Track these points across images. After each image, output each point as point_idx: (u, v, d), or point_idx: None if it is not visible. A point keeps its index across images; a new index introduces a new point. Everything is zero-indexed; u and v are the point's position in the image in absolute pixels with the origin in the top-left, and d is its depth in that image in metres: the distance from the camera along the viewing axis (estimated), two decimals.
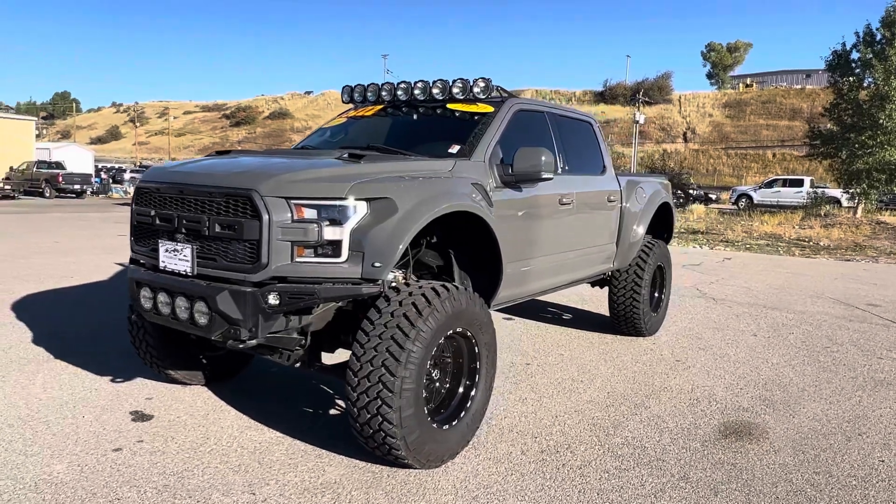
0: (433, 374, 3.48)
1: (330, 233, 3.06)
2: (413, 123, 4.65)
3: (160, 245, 3.39)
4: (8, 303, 6.83)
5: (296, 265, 3.07)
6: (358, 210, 3.11)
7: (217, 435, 3.73)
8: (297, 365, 3.53)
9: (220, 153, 4.10)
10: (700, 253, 14.68)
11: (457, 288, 3.40)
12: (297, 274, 3.07)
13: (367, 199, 3.12)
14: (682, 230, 21.13)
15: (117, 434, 3.69)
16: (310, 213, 3.08)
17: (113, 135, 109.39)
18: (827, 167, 27.69)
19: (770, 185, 35.75)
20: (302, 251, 3.08)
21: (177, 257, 3.33)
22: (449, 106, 4.47)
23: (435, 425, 3.33)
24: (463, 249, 3.93)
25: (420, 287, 3.31)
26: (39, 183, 30.32)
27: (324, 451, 3.56)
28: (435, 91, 4.49)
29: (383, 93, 4.69)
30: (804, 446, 3.87)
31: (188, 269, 3.27)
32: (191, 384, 4.44)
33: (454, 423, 3.48)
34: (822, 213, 22.87)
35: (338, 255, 3.08)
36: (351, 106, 5.12)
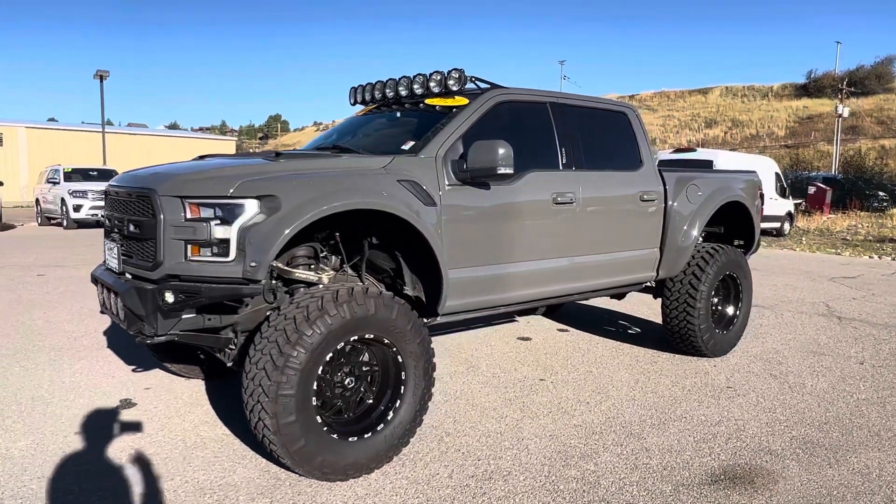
0: (345, 383, 3.29)
1: (219, 231, 3.03)
2: (393, 121, 4.47)
3: (104, 243, 3.62)
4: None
5: (189, 264, 3.08)
6: (247, 209, 3.04)
7: (172, 427, 3.87)
8: (230, 365, 3.55)
9: (200, 157, 4.28)
10: (868, 264, 12.47)
11: (365, 292, 3.18)
12: (188, 272, 3.08)
13: (256, 198, 3.05)
14: (869, 237, 18.18)
15: (93, 418, 3.98)
16: (203, 213, 3.07)
17: None
18: None
19: None
20: (197, 250, 3.08)
21: (111, 255, 3.52)
22: (428, 101, 4.24)
23: (335, 436, 3.14)
24: (412, 252, 3.69)
25: (322, 290, 3.16)
26: None
27: (251, 452, 3.53)
28: (415, 87, 4.29)
29: (376, 92, 4.59)
30: None
31: (116, 266, 3.45)
32: (189, 377, 4.67)
33: (367, 436, 3.26)
34: None
35: (226, 254, 3.04)
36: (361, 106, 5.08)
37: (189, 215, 3.07)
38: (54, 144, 34.09)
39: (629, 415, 4.18)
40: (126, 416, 4.03)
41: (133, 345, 5.48)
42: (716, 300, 5.61)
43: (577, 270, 4.48)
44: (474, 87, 4.24)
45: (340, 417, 3.32)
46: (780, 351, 5.82)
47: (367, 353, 3.40)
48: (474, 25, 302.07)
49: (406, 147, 3.84)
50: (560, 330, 6.48)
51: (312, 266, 3.71)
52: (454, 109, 4.05)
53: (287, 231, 2.98)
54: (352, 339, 3.15)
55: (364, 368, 3.40)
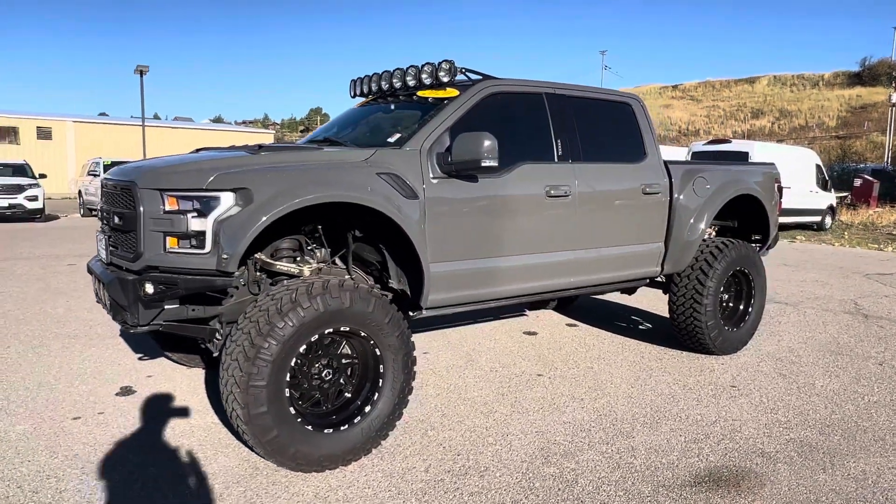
0: (322, 375, 3.31)
1: (196, 224, 3.07)
2: (386, 113, 4.46)
3: (97, 235, 3.71)
4: None
5: (167, 255, 3.13)
6: (223, 201, 3.07)
7: (165, 416, 3.95)
8: (216, 355, 3.60)
9: (196, 150, 4.34)
10: None
11: (340, 285, 3.18)
12: (167, 264, 3.13)
13: (232, 190, 3.07)
14: None
15: (92, 404, 4.11)
16: (181, 205, 3.12)
17: None
18: None
19: None
20: (176, 242, 3.12)
21: (101, 245, 3.61)
22: (420, 93, 4.21)
23: (310, 427, 3.16)
24: (396, 245, 3.67)
25: (299, 282, 3.18)
26: None
27: (235, 441, 3.57)
28: (408, 79, 4.26)
29: (373, 84, 4.58)
30: None
31: (104, 257, 3.53)
32: (190, 367, 4.77)
33: (344, 428, 3.27)
34: None
35: (202, 246, 3.07)
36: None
37: (167, 207, 3.12)
38: (101, 138, 35.20)
39: (622, 412, 4.10)
40: (123, 403, 4.14)
41: (142, 334, 5.62)
42: (726, 297, 5.44)
43: (573, 265, 4.40)
44: (464, 78, 4.18)
45: (318, 409, 3.34)
46: (796, 349, 5.62)
47: (346, 346, 3.41)
48: (514, 15, 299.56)
49: (392, 140, 3.82)
50: (569, 325, 6.39)
51: (298, 259, 3.73)
52: (445, 101, 4.01)
53: (258, 224, 3.00)
54: (327, 331, 3.16)
55: (343, 361, 3.41)
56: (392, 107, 4.45)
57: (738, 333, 5.41)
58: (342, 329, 3.22)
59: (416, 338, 5.72)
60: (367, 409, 3.35)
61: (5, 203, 16.89)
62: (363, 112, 4.69)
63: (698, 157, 16.08)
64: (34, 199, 17.37)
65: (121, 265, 3.35)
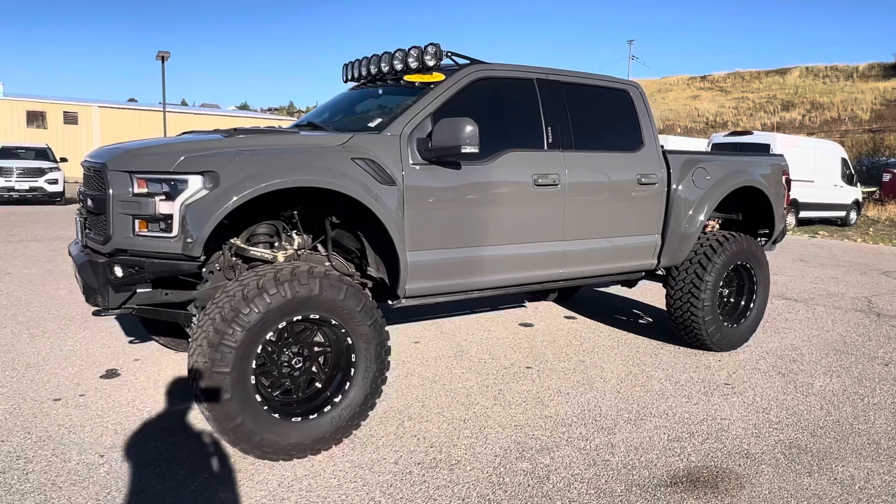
0: (293, 363, 3.26)
1: (164, 207, 3.02)
2: (374, 97, 4.37)
3: (75, 217, 3.70)
4: None
5: (136, 238, 3.09)
6: (191, 184, 3.02)
7: (144, 399, 3.95)
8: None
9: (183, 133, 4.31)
10: None
11: (309, 272, 3.12)
12: (135, 247, 3.09)
13: (200, 173, 3.02)
14: None
15: (75, 386, 4.12)
16: (150, 188, 3.07)
17: None
18: None
19: None
20: (144, 225, 3.09)
21: (77, 228, 3.60)
22: (407, 78, 4.12)
23: (277, 415, 3.12)
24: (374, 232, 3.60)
25: (268, 268, 3.13)
26: None
27: (209, 429, 3.56)
28: (395, 62, 4.17)
29: (363, 69, 4.50)
30: None
31: (80, 239, 3.52)
32: (178, 351, 4.76)
33: (313, 417, 3.22)
34: None
35: (170, 229, 3.03)
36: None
37: (136, 190, 3.08)
38: (126, 123, 35.64)
39: (607, 408, 3.99)
40: (105, 385, 4.14)
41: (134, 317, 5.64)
42: (726, 292, 5.29)
43: (562, 257, 4.29)
44: (453, 63, 4.08)
45: (289, 397, 3.30)
46: (799, 347, 5.45)
47: (319, 334, 3.36)
48: (538, 1, 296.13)
49: (372, 125, 3.74)
50: (567, 317, 6.28)
51: (276, 244, 3.69)
52: (431, 86, 3.91)
53: (222, 208, 2.95)
54: (295, 318, 3.11)
55: (316, 349, 3.36)
56: (380, 91, 4.36)
57: (738, 330, 5.25)
58: (312, 317, 3.16)
59: (409, 327, 5.68)
60: (338, 398, 3.30)
61: (26, 186, 17.19)
62: (351, 96, 4.62)
63: (718, 148, 15.73)
64: (55, 182, 17.65)
65: (93, 248, 3.33)
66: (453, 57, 4.06)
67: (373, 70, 4.37)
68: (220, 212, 2.95)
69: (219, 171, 3.00)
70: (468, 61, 4.08)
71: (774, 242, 5.88)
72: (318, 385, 3.32)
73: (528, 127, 4.15)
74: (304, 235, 3.80)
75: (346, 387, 3.32)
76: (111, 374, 4.37)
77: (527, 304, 6.75)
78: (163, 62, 23.99)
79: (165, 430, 3.52)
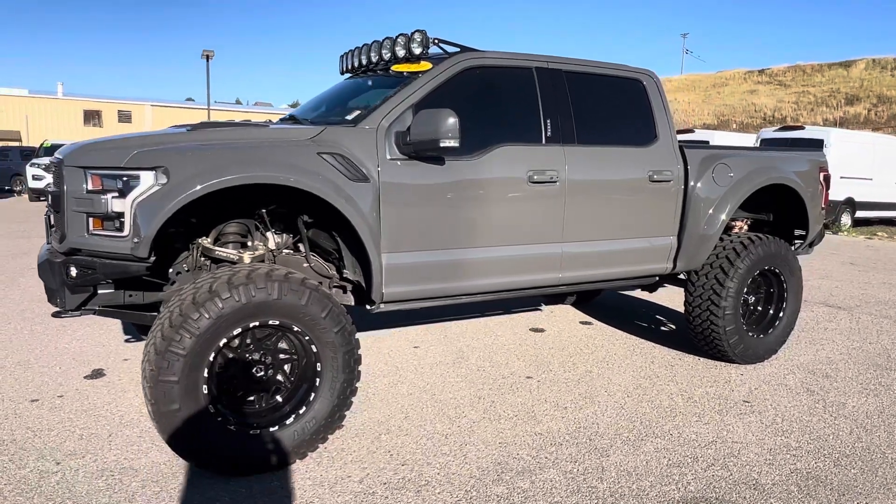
0: (254, 371, 3.05)
1: (116, 204, 2.86)
2: (363, 89, 4.13)
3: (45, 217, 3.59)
4: None
5: (91, 238, 2.94)
6: (143, 181, 2.85)
7: (120, 403, 3.82)
8: None
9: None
10: None
11: (267, 275, 2.91)
12: (88, 247, 2.94)
13: (151, 169, 2.84)
14: None
15: (57, 386, 4.04)
16: (104, 184, 2.92)
17: None
18: None
19: None
20: (99, 223, 2.93)
21: (46, 226, 3.48)
22: (395, 68, 3.87)
23: (233, 427, 2.92)
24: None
25: (225, 270, 2.93)
26: None
27: None
28: (384, 52, 3.93)
29: (354, 59, 4.27)
30: None
31: (48, 238, 3.41)
32: None
33: (273, 429, 3.01)
34: None
35: (123, 228, 2.87)
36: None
37: (90, 187, 2.92)
38: (177, 121, 36.59)
39: (605, 425, 3.66)
40: (87, 387, 4.04)
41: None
42: (752, 299, 4.85)
43: (561, 260, 3.97)
44: (442, 52, 3.81)
45: (251, 407, 3.10)
46: (835, 361, 4.96)
47: (284, 341, 3.15)
48: None
49: (350, 117, 3.51)
50: (583, 322, 5.93)
51: (249, 244, 3.50)
52: (417, 76, 3.66)
53: (169, 206, 2.76)
54: (252, 325, 2.91)
55: (282, 357, 3.15)
56: (370, 83, 4.13)
57: (765, 341, 4.81)
58: (271, 323, 2.95)
59: (411, 330, 5.44)
60: (302, 409, 3.08)
61: None
62: (341, 88, 4.40)
63: (768, 144, 14.93)
64: None
65: (54, 247, 3.21)
66: (441, 44, 3.78)
67: (363, 60, 4.14)
68: (167, 210, 2.76)
69: (170, 167, 2.81)
70: (458, 49, 3.80)
71: (811, 245, 5.39)
72: (279, 398, 3.11)
73: (524, 119, 3.84)
74: (285, 235, 3.61)
75: (311, 398, 3.10)
76: (96, 374, 4.28)
77: (543, 307, 6.42)
78: (207, 61, 24.45)
79: (131, 437, 3.38)
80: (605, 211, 4.10)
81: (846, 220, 14.93)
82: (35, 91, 36.18)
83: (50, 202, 3.31)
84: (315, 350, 3.07)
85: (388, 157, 3.34)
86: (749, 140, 16.74)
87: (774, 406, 4.03)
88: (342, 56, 4.50)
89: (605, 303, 6.65)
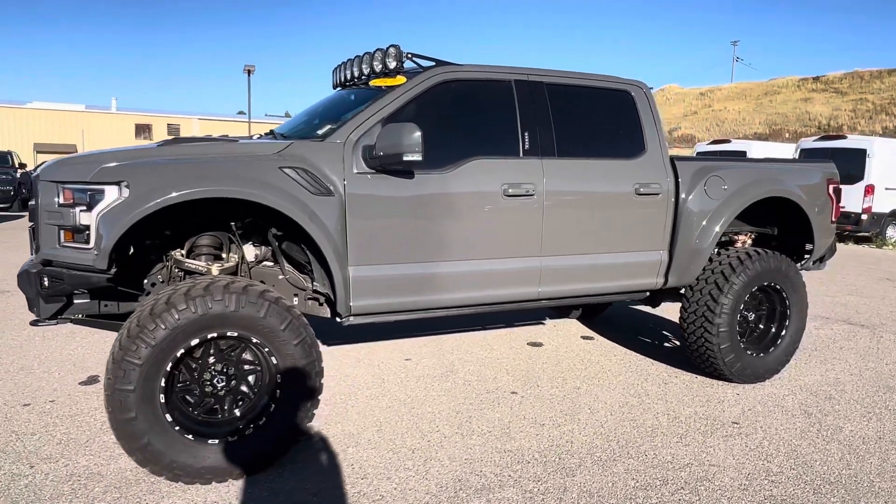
0: (215, 382, 3.10)
1: (84, 218, 2.97)
2: (343, 103, 4.17)
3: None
4: None
5: (62, 250, 3.05)
6: (107, 195, 2.95)
7: (104, 409, 3.93)
8: None
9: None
10: None
11: (225, 287, 2.96)
12: (59, 258, 3.06)
13: (115, 184, 2.94)
14: None
15: (51, 391, 4.19)
16: (75, 198, 3.03)
17: None
18: None
19: None
20: (70, 236, 3.04)
21: (30, 238, 3.63)
22: (373, 82, 3.90)
23: (190, 436, 2.97)
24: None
25: (187, 282, 3.00)
26: None
27: None
28: (364, 66, 3.98)
29: (341, 73, 4.34)
30: None
31: (30, 250, 3.55)
32: None
33: (233, 439, 3.05)
34: None
35: (88, 241, 2.97)
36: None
37: (62, 201, 3.04)
38: (223, 133, 37.79)
39: (579, 444, 3.58)
40: (79, 392, 4.18)
41: None
42: (752, 316, 4.68)
43: (540, 273, 3.91)
44: (416, 66, 3.83)
45: (212, 417, 3.15)
46: (843, 382, 4.73)
47: (249, 353, 3.19)
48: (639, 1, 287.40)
49: (321, 131, 3.56)
50: (584, 337, 5.82)
51: (223, 256, 3.57)
52: (392, 90, 3.68)
53: (126, 220, 2.84)
54: (210, 336, 2.96)
55: (247, 368, 3.19)
56: (353, 96, 4.17)
57: (765, 360, 4.62)
58: (230, 334, 3.00)
59: (405, 342, 5.44)
60: (262, 421, 3.12)
61: None
62: (328, 101, 4.45)
63: (807, 154, 14.41)
64: None
65: (35, 258, 3.34)
66: (415, 59, 3.80)
67: (349, 75, 4.20)
68: (123, 224, 2.85)
69: (130, 182, 2.90)
70: (434, 63, 3.81)
71: (822, 260, 5.18)
72: (237, 411, 3.15)
73: (500, 132, 3.82)
74: (264, 248, 3.67)
75: (272, 409, 3.13)
76: (92, 380, 4.42)
77: (547, 320, 6.34)
78: (249, 75, 25.18)
79: (107, 443, 3.47)
80: (587, 225, 4.02)
81: (892, 232, 14.26)
82: (91, 106, 37.95)
83: (29, 215, 3.45)
84: (275, 362, 3.11)
85: (356, 171, 3.36)
86: (788, 151, 16.19)
87: (764, 428, 3.87)
88: (334, 70, 4.57)
89: (612, 317, 6.52)
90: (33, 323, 3.30)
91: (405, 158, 3.20)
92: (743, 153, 15.51)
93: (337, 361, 4.91)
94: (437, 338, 5.61)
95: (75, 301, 3.28)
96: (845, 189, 13.54)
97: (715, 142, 17.59)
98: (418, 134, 3.18)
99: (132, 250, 3.47)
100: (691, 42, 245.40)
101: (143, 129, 36.89)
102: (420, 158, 3.21)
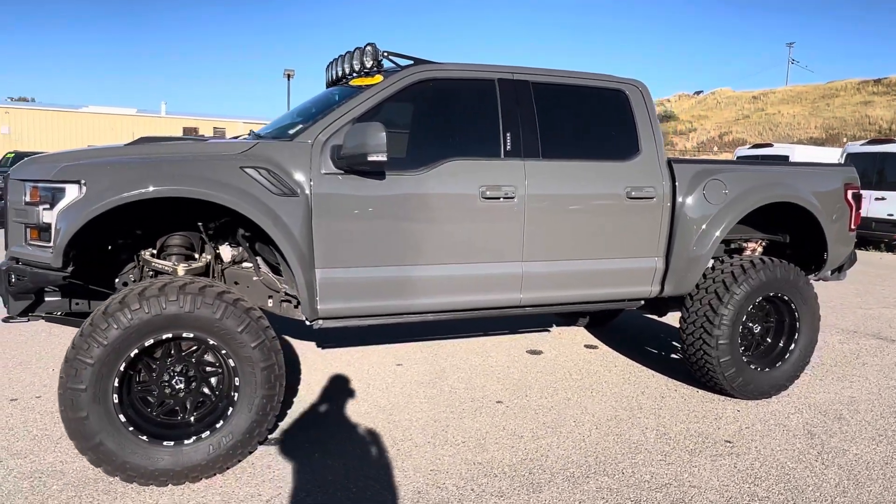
0: (173, 382, 3.07)
1: (46, 216, 2.99)
2: (324, 102, 4.10)
3: None
4: None
5: (27, 247, 3.08)
6: (68, 194, 2.95)
7: None
8: None
9: None
10: None
11: (180, 288, 2.92)
12: (24, 256, 3.08)
13: (75, 182, 2.94)
14: None
15: (41, 387, 4.25)
16: (41, 196, 3.05)
17: None
18: None
19: None
20: (36, 234, 3.07)
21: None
22: (353, 81, 3.84)
23: (144, 438, 2.95)
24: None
25: (145, 282, 2.98)
26: None
27: None
28: (345, 65, 3.92)
29: (334, 71, 4.29)
30: None
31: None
32: None
33: (188, 442, 3.01)
34: None
35: (50, 239, 2.98)
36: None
37: (28, 199, 3.07)
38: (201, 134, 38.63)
39: (554, 459, 3.42)
40: None
41: None
42: (757, 329, 4.42)
43: (521, 279, 3.77)
44: (394, 65, 3.74)
45: (169, 418, 3.12)
46: (859, 401, 4.42)
47: (210, 355, 3.16)
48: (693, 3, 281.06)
49: (292, 131, 3.50)
50: (588, 346, 5.62)
51: (196, 256, 3.55)
52: (366, 89, 3.60)
53: (79, 218, 2.83)
54: (164, 336, 2.93)
55: (207, 370, 3.16)
56: (337, 96, 4.11)
57: (771, 375, 4.35)
58: (185, 335, 2.96)
59: (401, 347, 5.35)
60: (219, 424, 3.07)
61: None
62: (313, 101, 4.40)
63: (854, 160, 13.73)
64: None
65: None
66: (391, 58, 3.71)
67: (336, 73, 4.15)
68: (76, 222, 2.84)
69: (87, 181, 2.90)
70: (411, 62, 3.71)
71: (840, 270, 4.87)
72: (195, 413, 3.11)
73: (480, 133, 3.70)
74: (240, 248, 3.65)
75: (229, 412, 3.08)
76: None
77: (553, 328, 6.15)
78: (288, 80, 25.62)
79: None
80: (573, 229, 3.86)
81: None
82: (142, 110, 39.24)
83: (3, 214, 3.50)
84: (233, 364, 3.06)
85: (323, 171, 3.30)
86: (834, 155, 15.48)
87: (759, 449, 3.62)
88: (327, 67, 4.52)
89: (621, 326, 6.28)
90: (5, 319, 3.34)
91: (370, 158, 3.11)
92: (785, 157, 14.89)
93: (327, 364, 4.85)
94: (434, 343, 5.50)
95: (46, 299, 3.31)
96: (889, 196, 12.90)
97: (756, 146, 16.96)
98: (383, 134, 3.09)
99: (109, 248, 3.48)
100: (744, 45, 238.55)
101: (190, 132, 37.89)
102: (385, 158, 3.12)
